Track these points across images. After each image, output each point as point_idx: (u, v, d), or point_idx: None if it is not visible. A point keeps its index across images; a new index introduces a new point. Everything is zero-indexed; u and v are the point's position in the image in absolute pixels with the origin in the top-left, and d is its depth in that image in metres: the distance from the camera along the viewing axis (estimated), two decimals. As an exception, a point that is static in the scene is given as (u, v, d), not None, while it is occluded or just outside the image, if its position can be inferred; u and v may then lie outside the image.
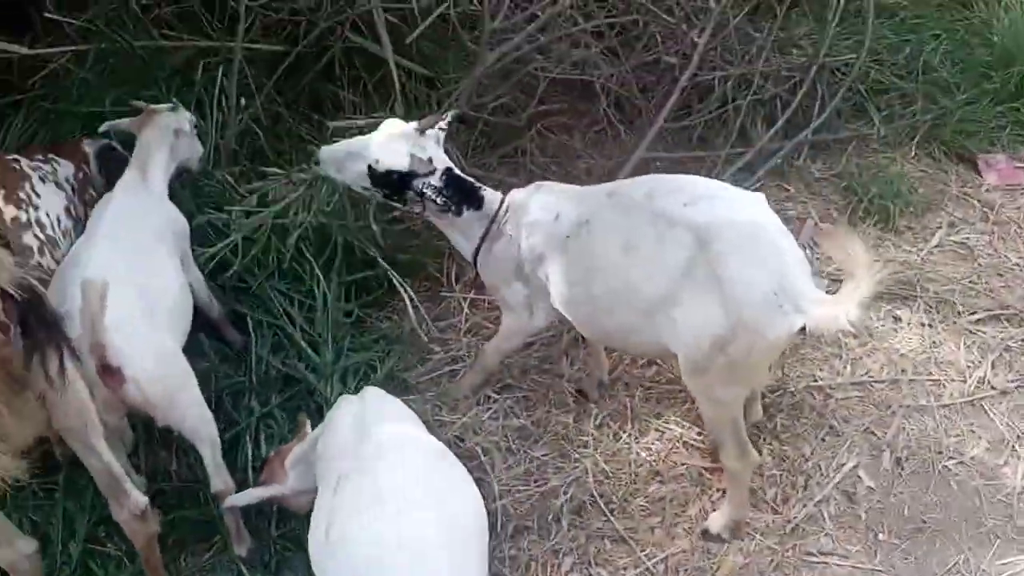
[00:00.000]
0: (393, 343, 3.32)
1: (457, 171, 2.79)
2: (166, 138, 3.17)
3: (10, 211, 2.71)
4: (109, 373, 2.26)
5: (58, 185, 3.00)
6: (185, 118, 3.29)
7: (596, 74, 3.99)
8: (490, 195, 2.78)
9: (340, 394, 2.85)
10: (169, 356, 2.50)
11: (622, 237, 2.40)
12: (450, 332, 3.44)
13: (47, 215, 2.82)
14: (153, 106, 3.25)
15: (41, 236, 2.75)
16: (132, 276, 2.52)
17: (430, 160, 2.69)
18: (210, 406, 2.84)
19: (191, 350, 3.02)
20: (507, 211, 2.72)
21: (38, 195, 2.84)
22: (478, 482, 2.80)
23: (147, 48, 3.88)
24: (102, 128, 3.28)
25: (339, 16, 3.76)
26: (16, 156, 3.01)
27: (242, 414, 3.04)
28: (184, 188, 3.48)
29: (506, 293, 2.77)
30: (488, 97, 3.70)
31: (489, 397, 3.15)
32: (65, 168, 3.17)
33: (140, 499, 2.34)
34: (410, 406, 2.65)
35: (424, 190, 2.66)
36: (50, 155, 3.17)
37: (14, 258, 2.00)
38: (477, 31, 3.58)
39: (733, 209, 2.33)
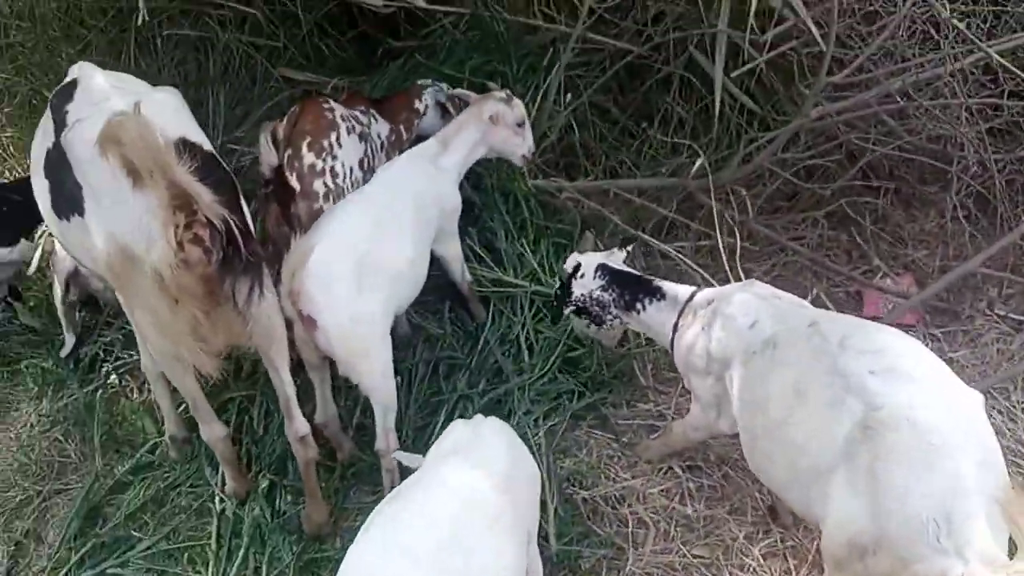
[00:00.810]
0: (609, 377, 3.27)
1: (614, 264, 2.74)
2: (481, 122, 3.30)
3: (310, 158, 3.07)
4: (303, 317, 2.60)
5: (362, 137, 3.30)
6: (509, 110, 3.33)
7: (958, 157, 3.36)
8: (671, 285, 2.68)
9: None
10: (365, 318, 2.69)
11: (798, 378, 2.08)
12: (670, 385, 3.28)
13: (342, 165, 3.12)
14: (492, 92, 3.44)
15: (330, 184, 3.07)
16: (365, 238, 2.78)
17: (578, 265, 2.73)
18: (421, 369, 3.14)
19: (430, 312, 3.31)
20: (709, 301, 2.50)
21: (340, 145, 3.14)
22: (618, 551, 2.74)
23: (512, 25, 4.10)
24: (453, 92, 3.57)
25: (688, 31, 3.64)
26: (333, 103, 3.30)
27: (447, 387, 3.26)
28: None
29: (696, 384, 2.56)
30: (800, 152, 3.34)
31: (672, 470, 2.98)
32: (381, 125, 3.50)
33: (301, 426, 2.70)
34: (588, 446, 2.64)
35: (590, 293, 2.68)
36: (372, 109, 3.51)
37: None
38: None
39: (926, 402, 1.88)
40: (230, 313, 2.35)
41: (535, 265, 3.43)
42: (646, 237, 3.30)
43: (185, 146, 2.23)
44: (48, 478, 3.32)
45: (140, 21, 3.42)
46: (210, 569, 2.87)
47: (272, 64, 4.58)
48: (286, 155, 3.07)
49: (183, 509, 3.10)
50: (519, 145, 3.41)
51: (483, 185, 3.71)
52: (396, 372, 3.31)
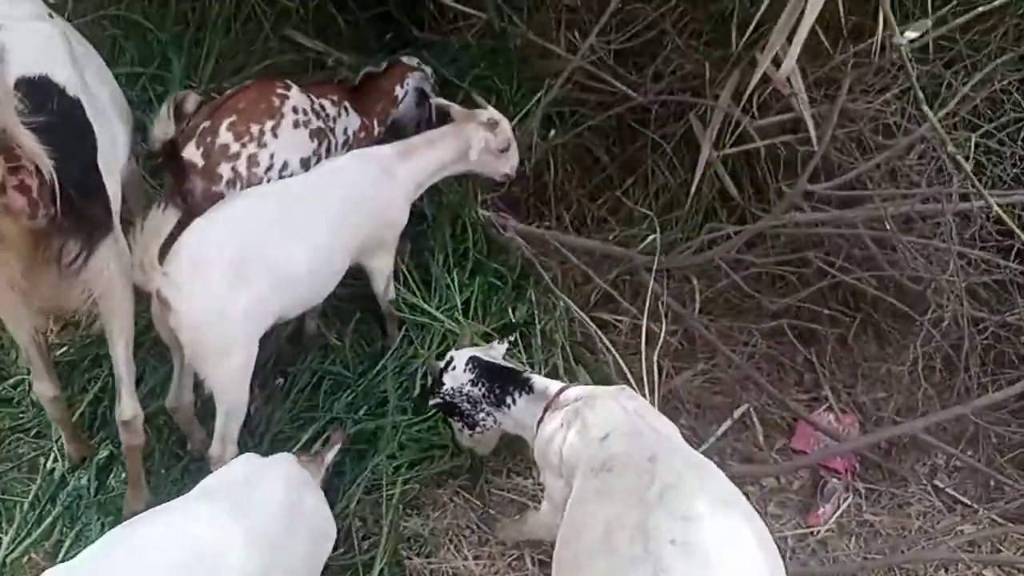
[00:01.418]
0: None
1: (485, 357, 2.50)
2: (459, 144, 3.07)
3: (226, 137, 2.78)
4: (159, 295, 2.39)
5: (316, 135, 3.01)
6: (492, 136, 3.09)
7: (935, 304, 3.02)
8: (540, 379, 2.43)
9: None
10: (228, 315, 2.46)
11: (612, 519, 1.80)
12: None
13: (271, 156, 2.83)
14: (478, 111, 3.17)
15: (241, 171, 2.77)
16: (258, 231, 2.56)
17: (450, 358, 2.52)
18: (304, 379, 2.92)
19: (338, 318, 3.10)
20: (576, 399, 2.22)
21: (275, 136, 2.85)
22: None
23: (525, 43, 3.84)
24: (435, 102, 3.31)
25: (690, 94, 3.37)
26: (291, 91, 2.99)
27: (324, 403, 3.02)
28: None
29: (549, 483, 2.29)
30: (765, 254, 3.04)
31: (522, 559, 2.71)
32: (351, 119, 3.24)
33: (127, 410, 2.49)
34: (445, 508, 2.57)
35: (460, 387, 2.45)
36: (345, 101, 3.25)
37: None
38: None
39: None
40: (53, 274, 2.14)
41: (459, 302, 3.16)
42: (570, 304, 3.01)
43: (37, 86, 2.02)
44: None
45: None
46: (11, 531, 2.68)
47: (280, 24, 4.41)
48: (201, 127, 2.82)
49: (17, 457, 2.92)
50: (501, 166, 3.19)
51: (433, 200, 3.46)
52: (281, 375, 3.14)
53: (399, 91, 3.44)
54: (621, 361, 2.74)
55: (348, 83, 3.49)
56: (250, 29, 4.35)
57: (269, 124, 2.86)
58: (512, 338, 2.66)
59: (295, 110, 2.95)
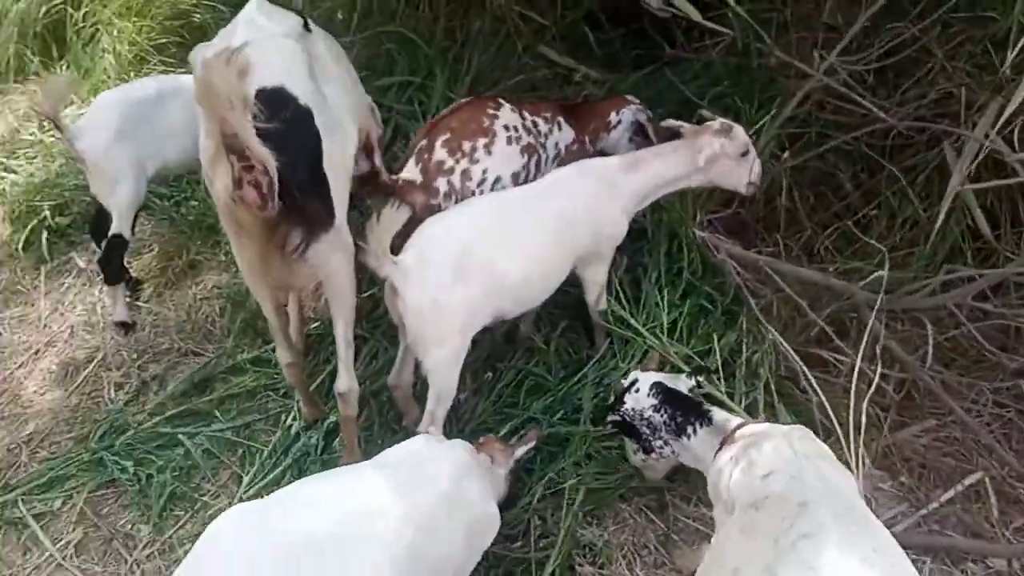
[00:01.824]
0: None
1: (670, 383, 2.47)
2: (692, 156, 3.08)
3: (441, 154, 3.03)
4: (390, 282, 2.66)
5: (527, 150, 3.17)
6: (728, 141, 3.07)
7: None
8: (720, 412, 2.39)
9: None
10: (447, 308, 2.67)
11: (744, 556, 1.72)
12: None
13: (483, 171, 3.04)
14: (707, 123, 3.16)
15: (456, 184, 3.00)
16: (481, 236, 2.76)
17: (635, 380, 2.52)
18: (509, 376, 3.11)
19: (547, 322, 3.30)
20: (749, 435, 2.12)
21: (488, 153, 3.05)
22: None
23: (769, 60, 3.74)
24: (665, 123, 3.30)
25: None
26: (503, 110, 3.17)
27: (523, 402, 3.17)
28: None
29: (718, 518, 2.23)
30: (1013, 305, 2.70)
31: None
32: (563, 134, 3.37)
33: (343, 383, 2.80)
34: (625, 524, 2.58)
35: (642, 411, 2.46)
36: (559, 117, 3.38)
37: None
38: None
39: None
40: (278, 258, 2.48)
41: (665, 321, 3.14)
42: (776, 336, 2.87)
43: (274, 96, 2.32)
44: (193, 340, 3.78)
45: None
46: (249, 475, 3.11)
47: (535, 41, 4.65)
48: (418, 146, 3.09)
49: (265, 411, 3.38)
50: (743, 175, 3.13)
51: (654, 218, 3.47)
52: (491, 370, 3.32)
53: (613, 117, 3.50)
54: (827, 403, 2.57)
55: (567, 101, 3.63)
56: (507, 45, 4.63)
57: (482, 141, 3.07)
58: (701, 378, 2.60)
59: (506, 127, 3.14)
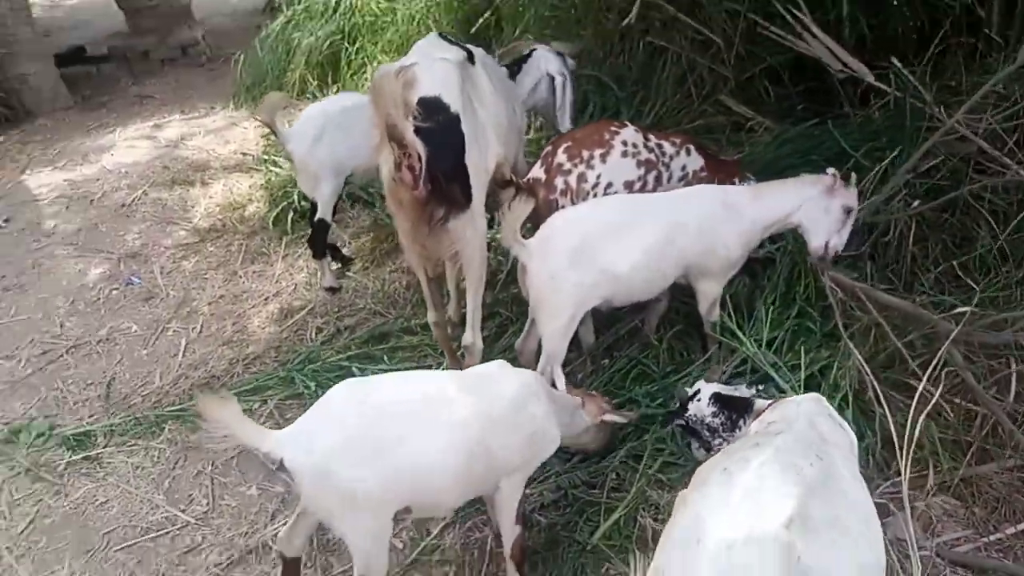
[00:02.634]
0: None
1: (726, 392, 2.82)
2: (809, 189, 3.35)
3: (562, 158, 3.65)
4: (519, 259, 3.25)
5: (644, 164, 3.68)
6: (845, 191, 3.30)
7: None
8: (760, 401, 2.72)
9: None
10: (559, 287, 3.20)
11: (722, 456, 2.09)
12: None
13: (597, 176, 3.60)
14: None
15: (572, 184, 3.60)
16: (600, 230, 3.26)
17: (698, 390, 2.88)
18: (621, 363, 3.63)
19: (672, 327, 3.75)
20: (775, 405, 2.43)
21: (603, 161, 3.61)
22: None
23: (916, 112, 3.94)
24: None
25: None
26: (626, 130, 3.69)
27: (627, 385, 3.61)
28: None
29: None
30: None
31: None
32: (692, 160, 3.81)
33: (467, 338, 3.43)
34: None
35: (703, 417, 2.88)
36: (691, 145, 3.83)
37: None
38: None
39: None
40: (425, 230, 3.18)
41: (766, 336, 3.43)
42: (856, 355, 3.05)
43: (431, 103, 3.02)
44: (382, 304, 4.60)
45: (627, 23, 4.31)
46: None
47: (715, 90, 5.11)
48: (545, 151, 3.74)
49: (422, 362, 4.10)
50: (828, 232, 3.34)
51: (782, 245, 3.80)
52: (608, 356, 3.80)
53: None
54: (889, 417, 2.78)
55: (710, 150, 4.05)
56: (688, 91, 5.13)
57: (599, 152, 3.63)
58: (762, 387, 2.96)
59: (624, 143, 3.66)
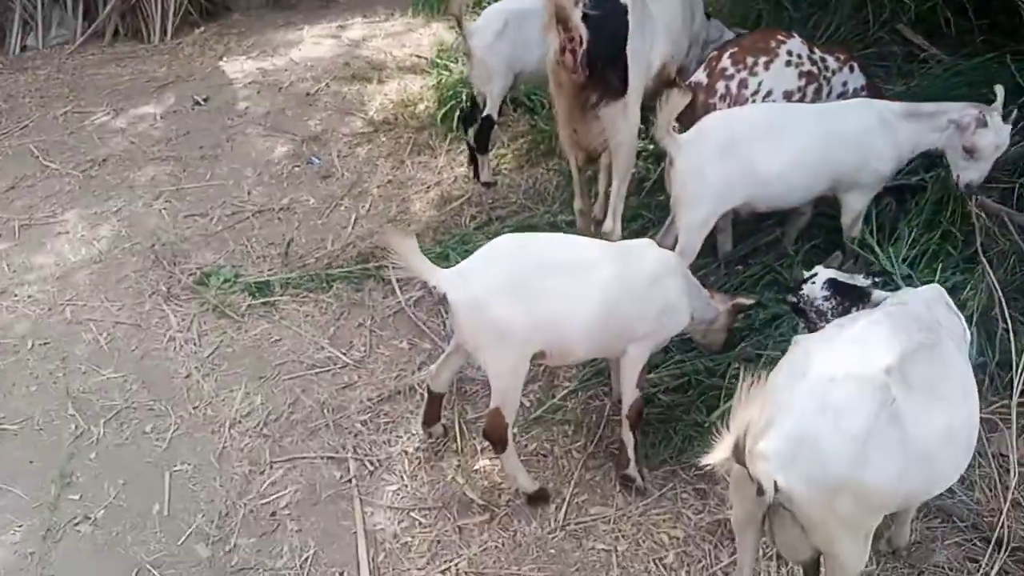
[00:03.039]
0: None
1: (842, 279, 2.82)
2: (950, 120, 3.38)
3: (726, 63, 3.72)
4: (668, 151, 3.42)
5: (806, 76, 3.73)
6: (983, 129, 3.29)
7: None
8: (879, 292, 2.72)
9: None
10: (704, 178, 3.38)
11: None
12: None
13: (759, 83, 3.67)
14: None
15: (732, 89, 3.68)
16: (750, 132, 3.40)
17: (815, 273, 2.89)
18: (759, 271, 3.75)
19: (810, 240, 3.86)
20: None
21: (766, 69, 3.67)
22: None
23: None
24: None
25: None
26: (792, 40, 3.73)
27: (755, 287, 3.77)
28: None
29: None
30: None
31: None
32: (854, 77, 3.83)
33: (607, 225, 3.67)
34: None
35: (813, 299, 2.88)
36: (852, 63, 3.84)
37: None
38: None
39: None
40: (580, 114, 3.42)
41: (903, 253, 3.47)
42: (991, 276, 3.04)
43: None
44: (532, 200, 4.91)
45: None
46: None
47: (893, 17, 4.98)
48: (710, 56, 3.84)
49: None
50: (962, 167, 3.39)
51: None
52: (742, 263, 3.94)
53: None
54: (1012, 341, 2.82)
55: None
56: (866, 17, 5.03)
57: (763, 59, 3.70)
58: (879, 278, 2.97)
59: (789, 53, 3.71)
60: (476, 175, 5.11)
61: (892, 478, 2.01)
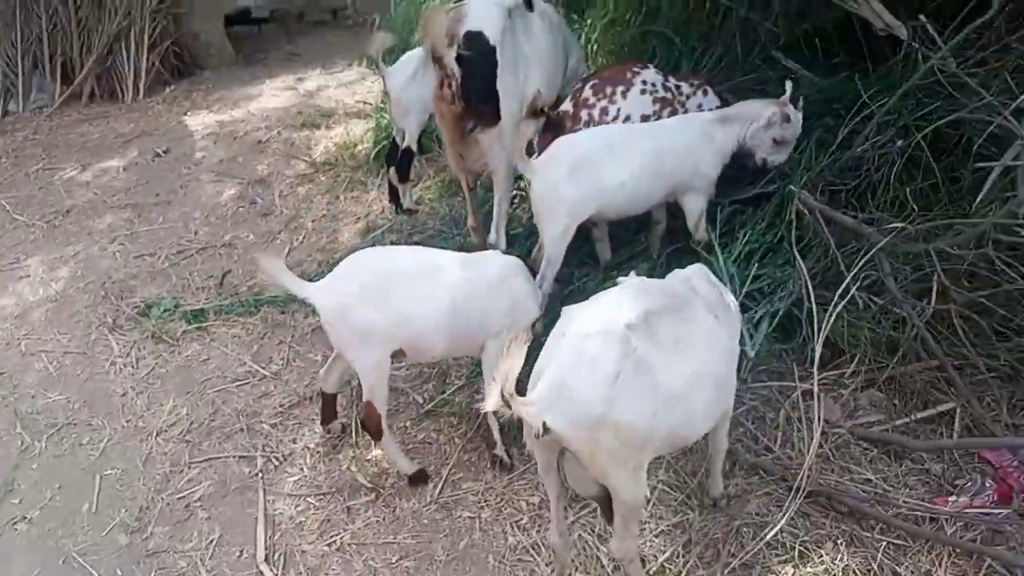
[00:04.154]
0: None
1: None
2: (752, 119, 3.93)
3: (587, 94, 4.19)
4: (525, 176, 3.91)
5: (660, 101, 4.19)
6: (783, 122, 3.90)
7: None
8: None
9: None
10: (559, 196, 3.79)
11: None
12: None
13: (618, 110, 4.13)
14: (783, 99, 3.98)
15: (595, 117, 4.14)
16: (591, 148, 3.84)
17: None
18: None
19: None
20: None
21: (624, 98, 4.14)
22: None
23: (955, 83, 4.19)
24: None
25: None
26: (646, 70, 4.21)
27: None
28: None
29: None
30: None
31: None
32: (708, 99, 4.29)
33: (492, 238, 4.10)
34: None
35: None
36: (705, 87, 4.31)
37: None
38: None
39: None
40: (459, 140, 3.89)
41: (737, 252, 3.92)
42: (802, 268, 3.46)
43: (474, 35, 3.72)
44: (447, 225, 5.36)
45: None
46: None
47: (770, 46, 5.46)
48: (575, 87, 4.31)
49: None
50: (770, 154, 3.97)
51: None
52: (619, 266, 4.38)
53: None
54: (815, 321, 3.24)
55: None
56: (744, 46, 5.51)
57: (620, 88, 4.18)
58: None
59: (644, 82, 4.18)
60: (397, 206, 5.60)
61: (644, 416, 2.40)
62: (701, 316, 2.67)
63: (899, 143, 3.93)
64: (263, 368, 4.41)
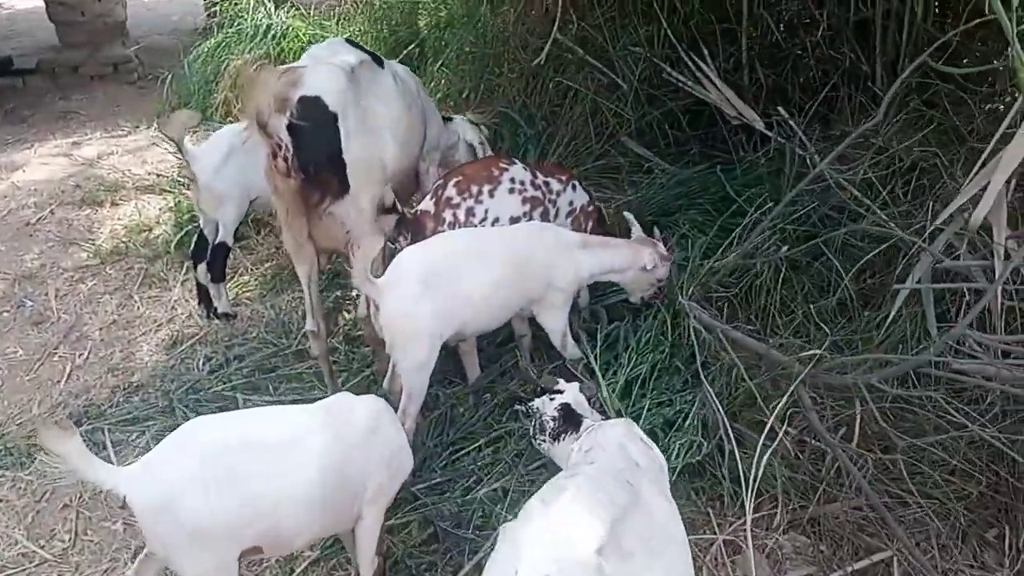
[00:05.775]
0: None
1: (576, 408, 2.87)
2: (633, 263, 3.68)
3: (451, 192, 3.72)
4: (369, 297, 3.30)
5: (530, 201, 3.80)
6: (662, 267, 3.69)
7: None
8: (588, 421, 2.78)
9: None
10: (413, 317, 3.20)
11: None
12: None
13: (485, 211, 3.69)
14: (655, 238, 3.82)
15: (460, 218, 3.68)
16: (447, 258, 3.32)
17: (559, 390, 2.96)
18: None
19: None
20: (592, 429, 2.54)
21: (491, 196, 3.72)
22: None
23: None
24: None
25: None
26: (514, 167, 3.82)
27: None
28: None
29: None
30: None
31: None
32: (578, 196, 3.95)
33: (308, 324, 3.64)
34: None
35: (543, 413, 2.90)
36: (573, 182, 3.96)
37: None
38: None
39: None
40: (303, 216, 3.36)
41: (623, 380, 3.51)
42: (710, 394, 3.16)
43: (311, 101, 3.17)
44: (275, 333, 4.57)
45: (538, 62, 4.43)
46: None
47: (619, 131, 5.24)
48: (436, 184, 3.83)
49: (306, 392, 4.05)
50: (645, 291, 3.80)
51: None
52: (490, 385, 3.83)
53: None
54: (741, 465, 2.85)
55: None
56: (593, 132, 5.25)
57: (487, 187, 3.73)
58: (602, 414, 3.02)
59: (512, 180, 3.77)
60: (209, 310, 4.73)
61: None
62: (655, 502, 2.25)
63: (784, 248, 3.71)
64: (42, 548, 3.39)
